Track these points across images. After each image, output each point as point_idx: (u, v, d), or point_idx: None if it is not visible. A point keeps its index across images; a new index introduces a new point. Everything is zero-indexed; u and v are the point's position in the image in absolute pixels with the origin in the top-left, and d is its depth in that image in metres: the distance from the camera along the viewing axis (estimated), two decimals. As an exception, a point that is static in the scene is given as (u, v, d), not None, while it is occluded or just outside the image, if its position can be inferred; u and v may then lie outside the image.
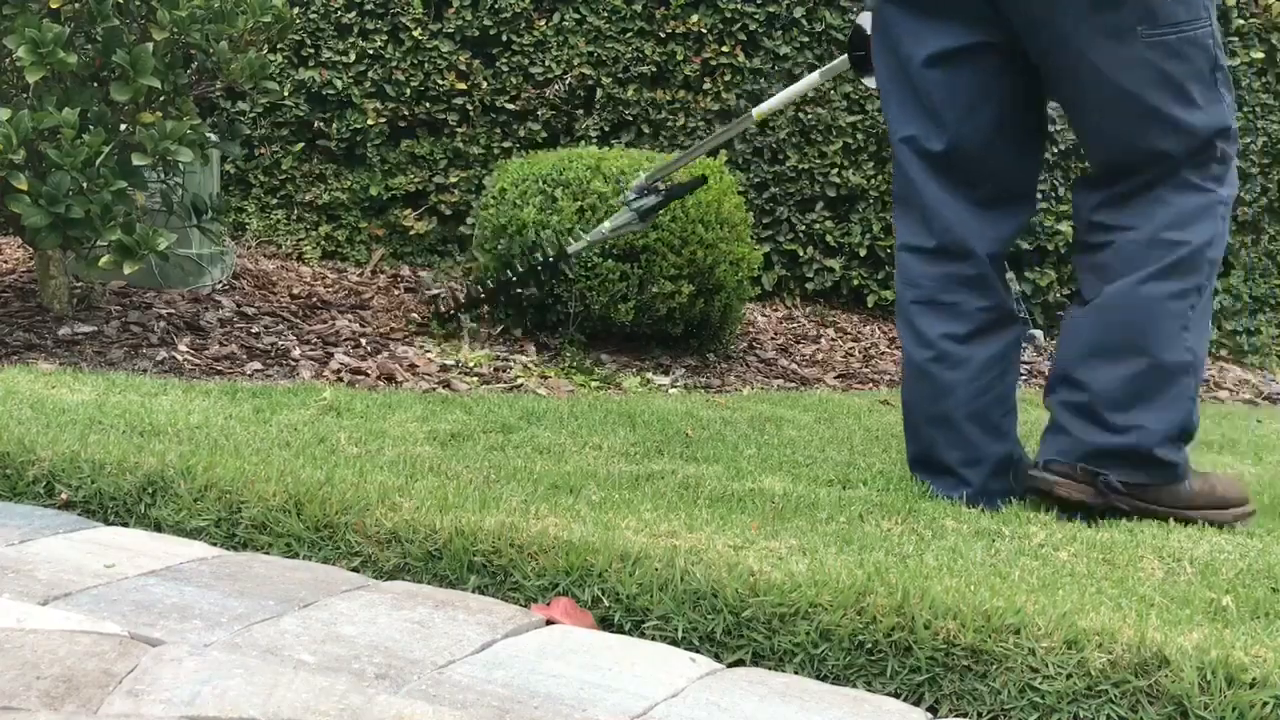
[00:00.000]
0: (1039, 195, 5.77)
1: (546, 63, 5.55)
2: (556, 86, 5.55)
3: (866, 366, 5.06)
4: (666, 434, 3.01)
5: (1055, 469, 2.31)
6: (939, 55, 2.36)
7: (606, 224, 4.05)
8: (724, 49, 5.63)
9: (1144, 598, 1.67)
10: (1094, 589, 1.70)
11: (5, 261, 4.70)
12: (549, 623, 1.53)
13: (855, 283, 5.80)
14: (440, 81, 5.51)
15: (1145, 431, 2.26)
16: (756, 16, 5.64)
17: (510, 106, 5.55)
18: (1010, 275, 5.89)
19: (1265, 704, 1.32)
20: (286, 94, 5.45)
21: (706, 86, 5.64)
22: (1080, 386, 2.31)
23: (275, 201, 5.57)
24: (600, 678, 1.37)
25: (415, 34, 5.50)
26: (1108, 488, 2.27)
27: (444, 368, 4.03)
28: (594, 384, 4.11)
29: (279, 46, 4.97)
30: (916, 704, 1.43)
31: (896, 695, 1.44)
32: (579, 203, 4.31)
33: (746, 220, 4.62)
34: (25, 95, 3.61)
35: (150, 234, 3.49)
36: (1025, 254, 5.94)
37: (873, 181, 5.73)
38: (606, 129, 5.59)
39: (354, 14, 5.50)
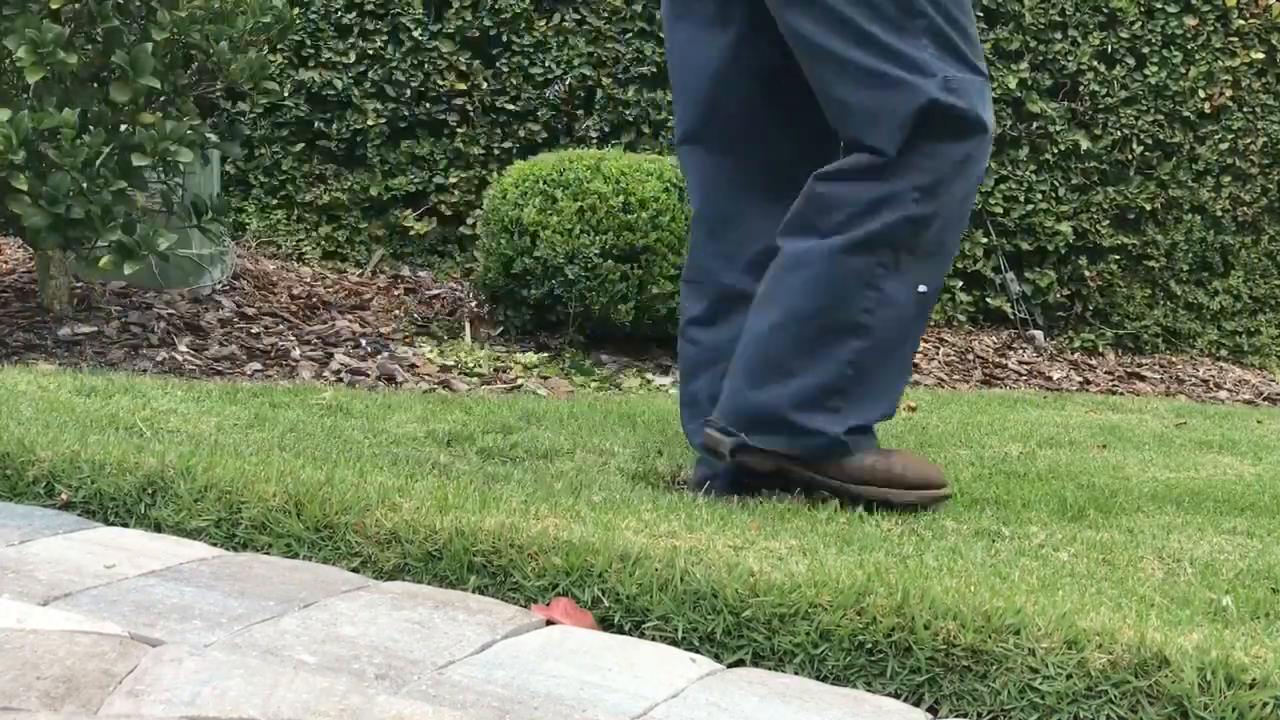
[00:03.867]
0: (1039, 195, 5.81)
1: (546, 63, 5.55)
2: (556, 87, 5.55)
3: (866, 367, 5.05)
4: (666, 434, 3.01)
5: (712, 424, 2.21)
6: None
7: None
8: (724, 49, 5.62)
9: (1144, 598, 1.67)
10: (1094, 589, 1.70)
11: (5, 261, 4.70)
12: (549, 623, 1.53)
13: (855, 283, 5.79)
14: (440, 82, 5.51)
15: (778, 392, 2.14)
16: (756, 17, 5.63)
17: (510, 107, 5.55)
18: (1010, 275, 5.89)
19: (1265, 704, 1.32)
20: (286, 94, 5.45)
21: (706, 87, 5.63)
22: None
23: (275, 202, 5.57)
24: (600, 678, 1.37)
25: (415, 34, 5.50)
26: (742, 449, 2.15)
27: (444, 368, 4.03)
28: (594, 384, 4.11)
29: (279, 47, 4.98)
30: (916, 704, 1.43)
31: (896, 695, 1.44)
32: (579, 203, 4.32)
33: (746, 220, 4.62)
34: (25, 95, 3.61)
35: (150, 234, 3.49)
36: (1025, 254, 5.94)
37: (873, 182, 5.72)
38: (606, 129, 5.59)
39: (354, 14, 5.50)
